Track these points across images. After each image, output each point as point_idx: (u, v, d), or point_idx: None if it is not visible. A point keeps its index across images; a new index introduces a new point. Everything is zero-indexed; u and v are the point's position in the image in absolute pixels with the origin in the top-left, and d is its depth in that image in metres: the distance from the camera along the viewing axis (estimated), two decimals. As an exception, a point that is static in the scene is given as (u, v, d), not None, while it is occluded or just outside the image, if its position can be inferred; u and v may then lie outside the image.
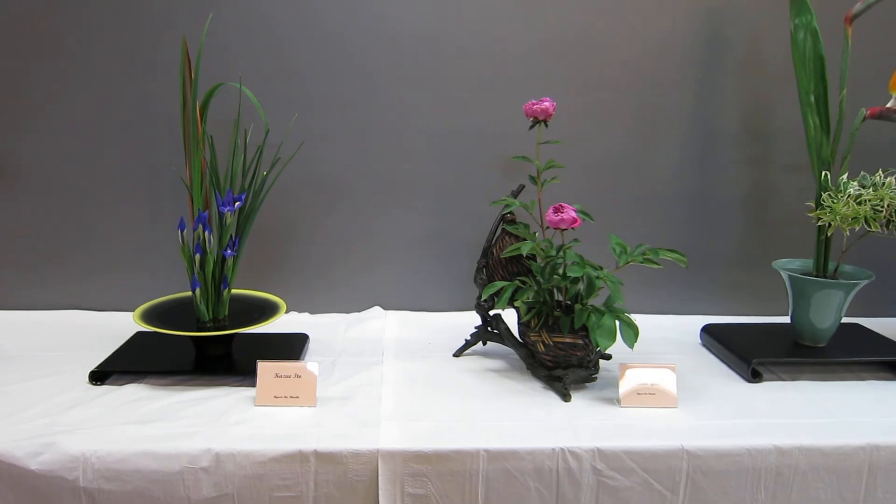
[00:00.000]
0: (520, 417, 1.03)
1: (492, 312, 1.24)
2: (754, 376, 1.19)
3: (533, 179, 1.18)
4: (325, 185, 1.42)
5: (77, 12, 1.31)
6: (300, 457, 0.93)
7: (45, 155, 1.36)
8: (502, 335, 1.22)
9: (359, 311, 1.46)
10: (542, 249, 1.12)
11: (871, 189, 1.10)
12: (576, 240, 1.14)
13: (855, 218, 1.10)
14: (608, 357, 1.22)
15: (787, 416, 1.07)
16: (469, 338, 1.26)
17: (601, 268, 1.11)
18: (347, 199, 1.43)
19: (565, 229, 1.05)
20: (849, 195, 1.11)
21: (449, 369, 1.20)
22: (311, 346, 1.28)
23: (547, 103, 1.13)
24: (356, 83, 1.38)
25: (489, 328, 1.24)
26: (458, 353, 1.26)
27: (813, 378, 1.21)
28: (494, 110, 1.38)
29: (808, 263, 1.29)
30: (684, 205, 1.47)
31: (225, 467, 0.92)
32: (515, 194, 1.21)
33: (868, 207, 1.09)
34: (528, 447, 0.95)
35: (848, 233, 1.15)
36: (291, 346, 1.22)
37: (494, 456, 0.95)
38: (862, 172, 1.21)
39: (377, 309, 1.46)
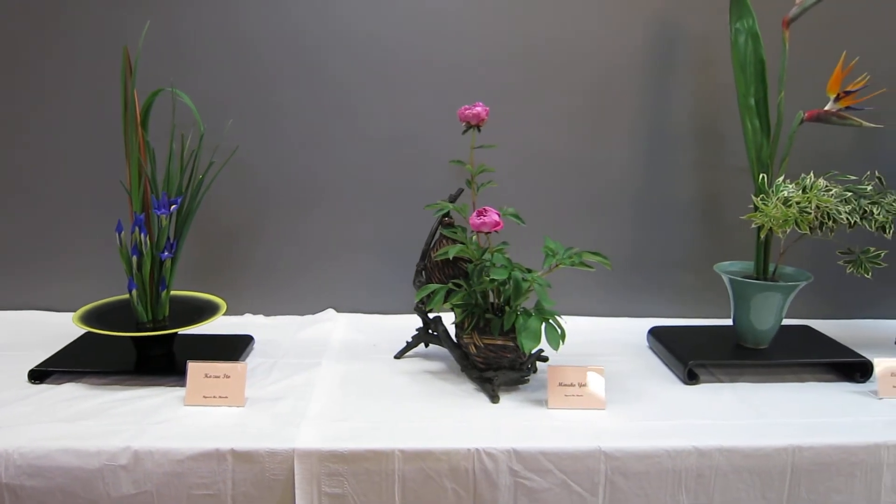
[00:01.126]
0: (445, 418, 1.04)
1: (431, 315, 1.25)
2: (690, 378, 1.19)
3: (469, 183, 1.19)
4: (282, 189, 1.44)
5: (39, 20, 1.35)
6: (217, 455, 0.95)
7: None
8: (441, 337, 1.23)
9: (313, 314, 1.48)
10: (473, 252, 1.13)
11: (800, 191, 1.10)
12: (505, 242, 1.15)
13: (786, 220, 1.10)
14: (545, 359, 1.22)
15: (715, 417, 1.07)
16: (410, 340, 1.27)
17: (530, 270, 1.11)
18: (303, 203, 1.45)
19: (488, 232, 1.06)
20: (777, 198, 1.10)
21: (386, 371, 1.21)
22: (257, 347, 1.30)
23: (479, 108, 1.14)
24: (306, 87, 1.40)
25: (429, 330, 1.25)
26: (399, 355, 1.27)
27: (753, 380, 1.21)
28: (443, 114, 1.39)
29: (750, 266, 1.29)
30: (634, 207, 1.47)
31: (144, 465, 0.94)
32: (453, 198, 1.22)
33: (796, 210, 1.08)
34: (443, 447, 0.96)
35: (781, 235, 1.15)
36: (233, 348, 1.24)
37: (410, 456, 0.96)
38: (802, 175, 1.21)
39: (330, 311, 1.48)
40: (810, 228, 1.13)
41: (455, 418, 1.04)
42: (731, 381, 1.21)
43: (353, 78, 1.40)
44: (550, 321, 1.08)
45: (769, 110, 1.23)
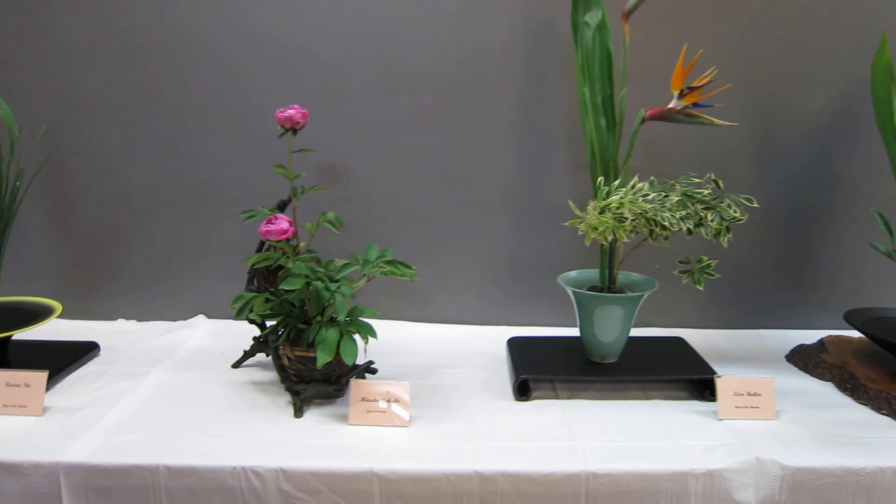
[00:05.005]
0: (236, 433, 1.01)
1: (269, 323, 1.22)
2: (522, 394, 1.12)
3: (294, 190, 1.15)
4: (157, 192, 1.42)
5: None
6: (-13, 467, 0.94)
7: None
8: (270, 347, 1.19)
9: (185, 319, 1.47)
10: (284, 259, 1.09)
11: (617, 197, 1.02)
12: (310, 251, 1.10)
13: (605, 228, 1.02)
14: (374, 371, 1.18)
15: (523, 438, 1.00)
16: (247, 349, 1.24)
17: (336, 280, 1.07)
18: (181, 206, 1.43)
19: (277, 241, 1.02)
20: (594, 205, 1.03)
21: (213, 381, 1.19)
22: (104, 353, 1.29)
23: (292, 111, 1.10)
24: (177, 89, 1.37)
25: (261, 340, 1.22)
26: (236, 365, 1.25)
27: (596, 397, 1.14)
28: (319, 114, 1.35)
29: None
30: (508, 211, 1.41)
31: (-87, 476, 0.94)
32: (281, 206, 1.18)
33: (610, 216, 1.01)
34: (208, 465, 0.93)
35: (604, 242, 1.07)
36: (68, 355, 1.23)
37: (175, 473, 0.93)
38: (651, 178, 1.13)
39: (200, 317, 1.46)
40: (652, 235, 1.06)
41: (247, 433, 1.01)
42: (571, 397, 1.14)
43: (229, 78, 1.37)
44: (349, 333, 1.03)
45: (615, 108, 1.15)
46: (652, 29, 1.28)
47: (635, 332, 1.33)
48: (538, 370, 1.16)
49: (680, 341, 1.28)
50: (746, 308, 1.46)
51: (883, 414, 1.08)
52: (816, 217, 1.42)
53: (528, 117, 1.37)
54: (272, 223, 1.01)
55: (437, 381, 1.20)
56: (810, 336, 1.37)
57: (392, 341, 1.34)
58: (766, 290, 1.46)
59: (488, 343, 1.36)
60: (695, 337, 1.39)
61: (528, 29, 1.34)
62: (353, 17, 1.34)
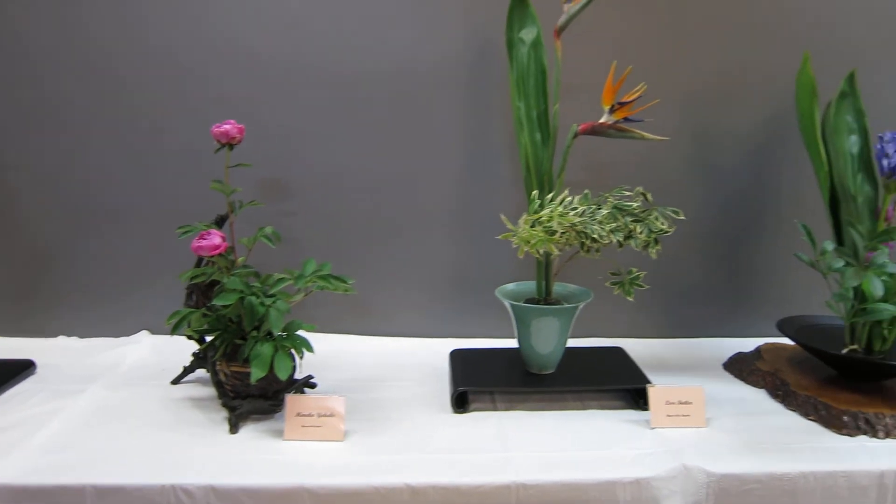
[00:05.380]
0: (169, 450, 1.00)
1: (209, 338, 1.21)
2: (459, 406, 1.13)
3: (231, 205, 1.15)
4: (99, 208, 1.41)
5: None
6: None
7: None
8: (208, 363, 1.19)
9: (127, 336, 1.45)
10: (218, 274, 1.09)
11: (548, 210, 1.04)
12: (247, 266, 1.10)
13: (538, 241, 1.04)
14: (313, 386, 1.18)
15: (458, 451, 1.01)
16: (186, 365, 1.24)
17: (271, 295, 1.07)
18: (123, 222, 1.42)
19: (210, 256, 1.02)
20: (525, 219, 1.04)
21: (150, 398, 1.17)
22: (40, 371, 1.27)
23: (228, 126, 1.10)
24: (109, 106, 1.37)
25: (201, 356, 1.21)
26: (175, 381, 1.24)
27: (534, 408, 1.15)
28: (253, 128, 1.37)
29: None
30: (454, 223, 1.42)
31: None
32: (219, 221, 1.18)
33: (541, 230, 1.02)
34: (136, 484, 0.92)
35: (537, 255, 1.09)
36: (4, 374, 1.21)
37: (102, 492, 0.92)
38: (586, 191, 1.15)
39: (143, 333, 1.45)
40: (584, 247, 1.07)
41: (179, 451, 1.00)
42: (509, 409, 1.15)
43: (173, 92, 1.36)
44: (284, 348, 1.03)
45: (549, 123, 1.17)
46: (589, 45, 1.30)
47: (577, 342, 1.36)
48: (477, 382, 1.17)
49: (619, 351, 1.30)
50: (687, 317, 1.49)
51: (810, 420, 1.10)
52: (751, 227, 1.46)
53: (470, 130, 1.39)
54: (204, 238, 1.01)
55: (378, 394, 1.20)
56: (750, 344, 1.40)
57: (335, 355, 1.34)
58: (705, 299, 1.49)
59: (432, 355, 1.36)
60: (637, 346, 1.41)
61: (470, 43, 1.35)
62: (294, 32, 1.34)
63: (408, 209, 1.42)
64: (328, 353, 1.34)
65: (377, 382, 1.25)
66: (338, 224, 1.42)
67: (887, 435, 1.04)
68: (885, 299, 1.06)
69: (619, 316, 1.45)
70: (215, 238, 1.00)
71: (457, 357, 1.28)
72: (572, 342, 1.33)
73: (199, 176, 1.37)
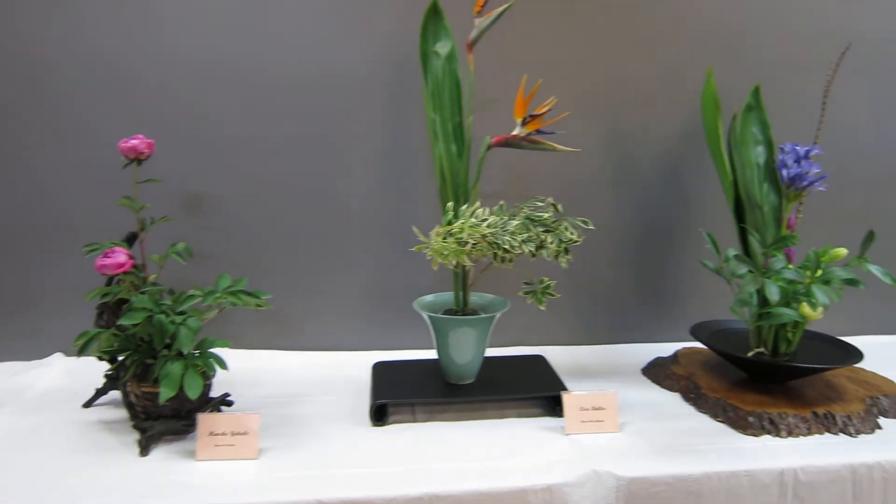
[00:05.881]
0: (75, 476, 0.97)
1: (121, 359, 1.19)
2: (377, 419, 1.13)
3: (141, 222, 1.13)
4: (12, 224, 1.37)
5: None
6: None
7: None
8: (120, 384, 1.16)
9: (40, 359, 1.41)
10: (126, 292, 1.07)
11: (459, 222, 1.05)
12: (156, 284, 1.08)
13: (449, 252, 1.05)
14: (229, 403, 1.16)
15: (369, 464, 1.00)
16: (99, 387, 1.20)
17: (181, 313, 1.05)
18: (40, 241, 1.38)
19: (115, 274, 1.00)
20: (437, 231, 1.05)
21: (60, 422, 1.14)
22: (-55, 398, 1.23)
23: (136, 141, 1.08)
24: (37, 115, 1.33)
25: (114, 377, 1.19)
26: (87, 404, 1.20)
27: (454, 418, 1.15)
28: (173, 143, 1.34)
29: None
30: (376, 235, 1.42)
31: None
32: (130, 239, 1.15)
33: (453, 241, 1.03)
34: (32, 512, 0.89)
35: (451, 266, 1.10)
36: None
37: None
38: (501, 202, 1.17)
39: (57, 356, 1.41)
40: (496, 258, 1.09)
41: (86, 476, 0.97)
42: (428, 420, 1.15)
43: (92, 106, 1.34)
44: (194, 367, 1.01)
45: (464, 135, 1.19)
46: (506, 58, 1.33)
47: (501, 351, 1.37)
48: (396, 394, 1.17)
49: (539, 359, 1.32)
50: (610, 324, 1.52)
51: (719, 421, 1.14)
52: (670, 235, 1.50)
53: (391, 142, 1.40)
54: (108, 257, 0.99)
55: (298, 409, 1.19)
56: (671, 349, 1.44)
57: (257, 371, 1.33)
58: (627, 306, 1.52)
59: (356, 369, 1.36)
60: (560, 354, 1.44)
61: (389, 55, 1.36)
62: (209, 42, 1.33)
63: (329, 221, 1.41)
64: (249, 370, 1.33)
65: (298, 398, 1.24)
66: (259, 238, 1.41)
67: (789, 434, 1.08)
68: (786, 303, 1.11)
69: (543, 324, 1.48)
70: (120, 256, 0.98)
71: (379, 369, 1.28)
72: (495, 351, 1.35)
73: (113, 191, 1.34)
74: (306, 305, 1.43)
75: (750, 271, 1.09)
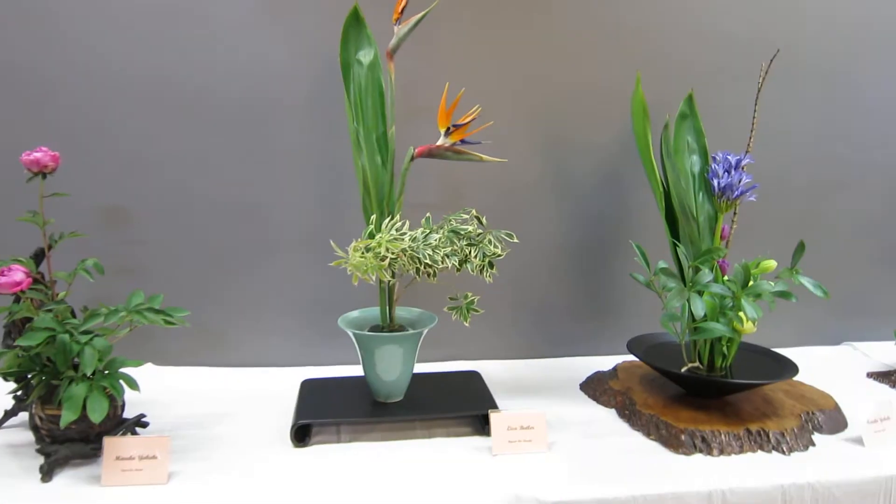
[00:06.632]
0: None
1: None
2: (300, 439, 1.09)
3: (50, 237, 1.08)
4: None
5: None
6: None
7: None
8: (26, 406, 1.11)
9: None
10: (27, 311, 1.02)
11: (378, 236, 1.02)
12: (60, 301, 1.04)
13: (368, 267, 1.01)
14: (144, 425, 1.11)
15: (285, 488, 0.96)
16: (8, 409, 1.15)
17: (88, 332, 1.00)
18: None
19: (13, 293, 0.95)
20: (355, 246, 1.02)
21: (-36, 447, 1.09)
22: None
23: (39, 154, 1.03)
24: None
25: (22, 398, 1.13)
26: (-4, 426, 1.15)
27: (378, 438, 1.12)
28: (103, 155, 1.30)
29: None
30: (309, 248, 1.38)
31: None
32: (38, 255, 1.10)
33: (372, 256, 1.00)
34: (-82, 545, 0.84)
35: (371, 281, 1.06)
36: None
37: None
38: (427, 214, 1.13)
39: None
40: (419, 273, 1.05)
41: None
42: (353, 440, 1.11)
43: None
44: (100, 389, 0.97)
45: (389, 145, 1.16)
46: (434, 66, 1.30)
47: (437, 366, 1.34)
48: (320, 413, 1.13)
49: (475, 375, 1.29)
50: (550, 338, 1.50)
51: (651, 440, 1.11)
52: (609, 245, 1.47)
53: (318, 153, 1.36)
54: (4, 275, 0.94)
55: (217, 430, 1.14)
56: (612, 363, 1.41)
57: (179, 390, 1.28)
58: (568, 319, 1.50)
59: (284, 386, 1.31)
60: (498, 368, 1.41)
61: (313, 64, 1.33)
62: (132, 51, 1.29)
63: (257, 235, 1.37)
64: (169, 388, 1.28)
65: (218, 417, 1.19)
66: (185, 252, 1.36)
67: (721, 452, 1.06)
68: (715, 318, 1.08)
69: (482, 338, 1.44)
70: (16, 274, 0.94)
71: (306, 387, 1.23)
72: (431, 367, 1.32)
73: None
74: (233, 321, 1.39)
75: (677, 285, 1.07)
